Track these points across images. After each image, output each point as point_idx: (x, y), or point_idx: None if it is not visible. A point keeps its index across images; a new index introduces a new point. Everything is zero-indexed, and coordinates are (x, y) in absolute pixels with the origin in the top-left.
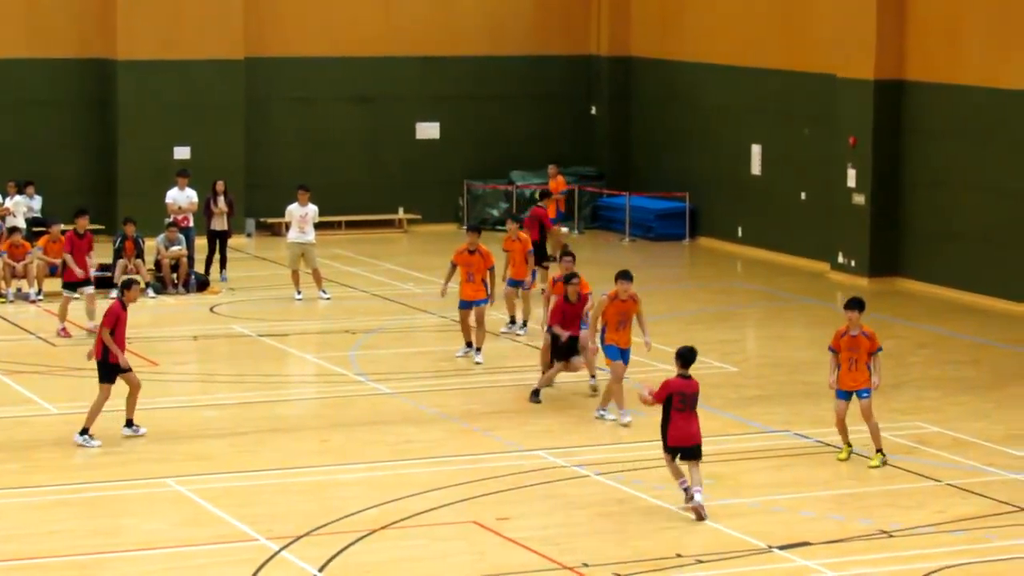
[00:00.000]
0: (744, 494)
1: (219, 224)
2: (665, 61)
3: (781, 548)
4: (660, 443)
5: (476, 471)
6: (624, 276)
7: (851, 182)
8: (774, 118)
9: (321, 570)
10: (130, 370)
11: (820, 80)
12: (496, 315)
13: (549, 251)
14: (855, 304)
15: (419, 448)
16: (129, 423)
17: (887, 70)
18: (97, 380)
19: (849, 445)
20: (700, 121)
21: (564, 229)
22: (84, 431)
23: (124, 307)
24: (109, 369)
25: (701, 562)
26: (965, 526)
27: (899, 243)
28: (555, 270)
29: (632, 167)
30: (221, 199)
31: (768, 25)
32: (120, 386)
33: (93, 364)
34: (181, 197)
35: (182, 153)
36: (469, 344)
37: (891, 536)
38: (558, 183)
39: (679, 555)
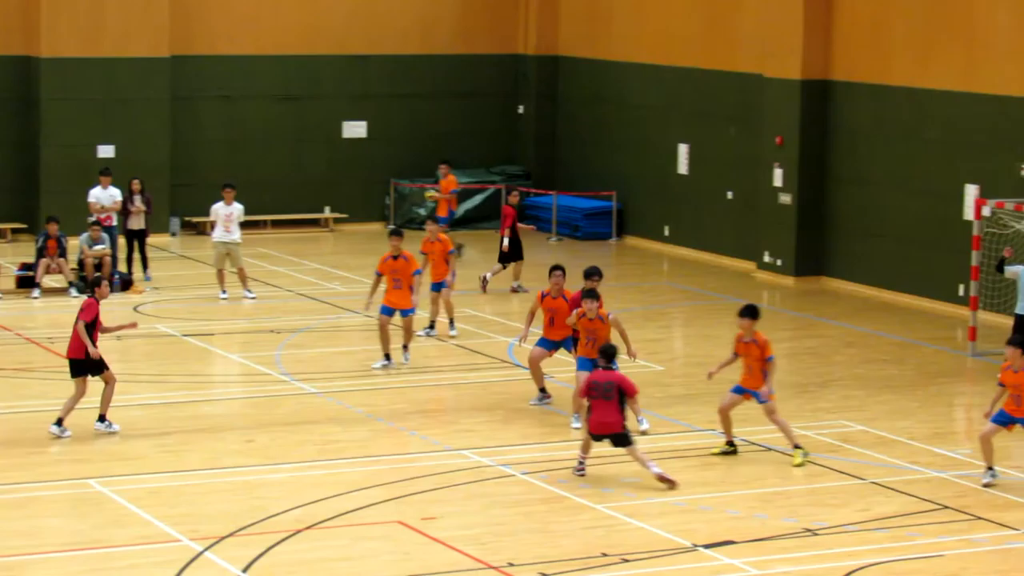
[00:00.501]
0: (670, 493)
1: (136, 223)
2: (592, 60)
3: (706, 547)
4: (579, 443)
5: (401, 471)
6: (589, 295)
7: (777, 182)
8: (701, 118)
9: (245, 570)
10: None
11: (747, 80)
12: (423, 313)
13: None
14: (745, 312)
15: (344, 448)
16: (59, 422)
17: (813, 70)
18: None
19: (730, 444)
20: (627, 120)
21: (505, 242)
22: (102, 418)
23: (98, 303)
24: (94, 363)
25: (626, 561)
26: (888, 524)
27: (825, 242)
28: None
29: (559, 166)
30: (138, 198)
31: (695, 25)
32: (71, 387)
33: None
34: (104, 196)
35: (106, 151)
36: (387, 356)
37: (815, 534)
38: (449, 182)
39: (604, 554)
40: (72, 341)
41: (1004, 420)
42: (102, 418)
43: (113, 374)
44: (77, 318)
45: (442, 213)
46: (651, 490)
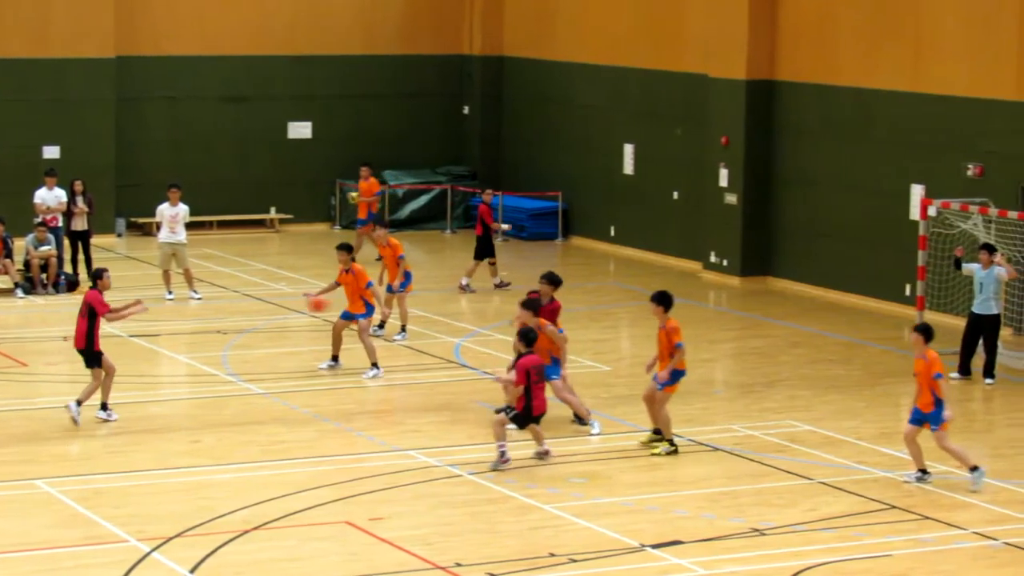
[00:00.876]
0: (617, 493)
1: (80, 224)
2: (538, 61)
3: (654, 547)
4: (524, 443)
5: (349, 471)
6: (526, 305)
7: (723, 182)
8: (647, 118)
9: (193, 571)
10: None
11: (692, 80)
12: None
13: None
14: (653, 297)
15: (291, 448)
16: (104, 406)
17: (758, 70)
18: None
19: (655, 432)
20: (573, 120)
21: (505, 226)
22: (79, 402)
23: (101, 295)
24: (96, 355)
25: (574, 561)
26: (836, 524)
27: (771, 242)
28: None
29: (505, 166)
30: (80, 199)
31: (640, 25)
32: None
33: None
34: (50, 197)
35: (51, 152)
36: (335, 358)
37: (763, 534)
38: (370, 184)
39: (552, 554)
40: (78, 332)
41: (919, 418)
42: (79, 403)
43: (102, 373)
44: (91, 311)
45: (362, 215)
46: (599, 490)
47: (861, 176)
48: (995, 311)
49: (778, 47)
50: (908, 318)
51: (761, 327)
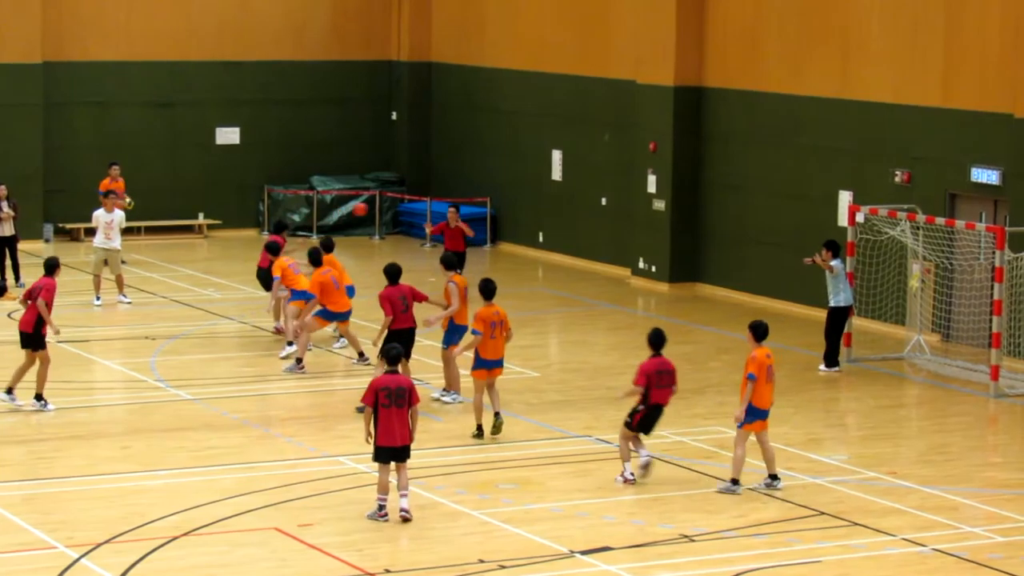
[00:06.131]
0: (547, 499)
1: (6, 230)
2: (465, 67)
3: (583, 553)
4: (455, 449)
5: (278, 477)
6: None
7: (651, 188)
8: (575, 124)
9: None
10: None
11: (620, 86)
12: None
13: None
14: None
15: (221, 454)
16: (39, 397)
17: (686, 77)
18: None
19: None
20: (501, 126)
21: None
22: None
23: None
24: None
25: (504, 567)
26: (766, 530)
27: (699, 248)
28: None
29: (433, 172)
30: (5, 204)
31: (568, 31)
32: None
33: None
34: None
35: None
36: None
37: (692, 540)
38: (120, 184)
39: (481, 560)
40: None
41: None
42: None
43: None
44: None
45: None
46: (528, 496)
47: (789, 182)
48: (832, 304)
49: (706, 54)
50: None
51: (690, 333)
